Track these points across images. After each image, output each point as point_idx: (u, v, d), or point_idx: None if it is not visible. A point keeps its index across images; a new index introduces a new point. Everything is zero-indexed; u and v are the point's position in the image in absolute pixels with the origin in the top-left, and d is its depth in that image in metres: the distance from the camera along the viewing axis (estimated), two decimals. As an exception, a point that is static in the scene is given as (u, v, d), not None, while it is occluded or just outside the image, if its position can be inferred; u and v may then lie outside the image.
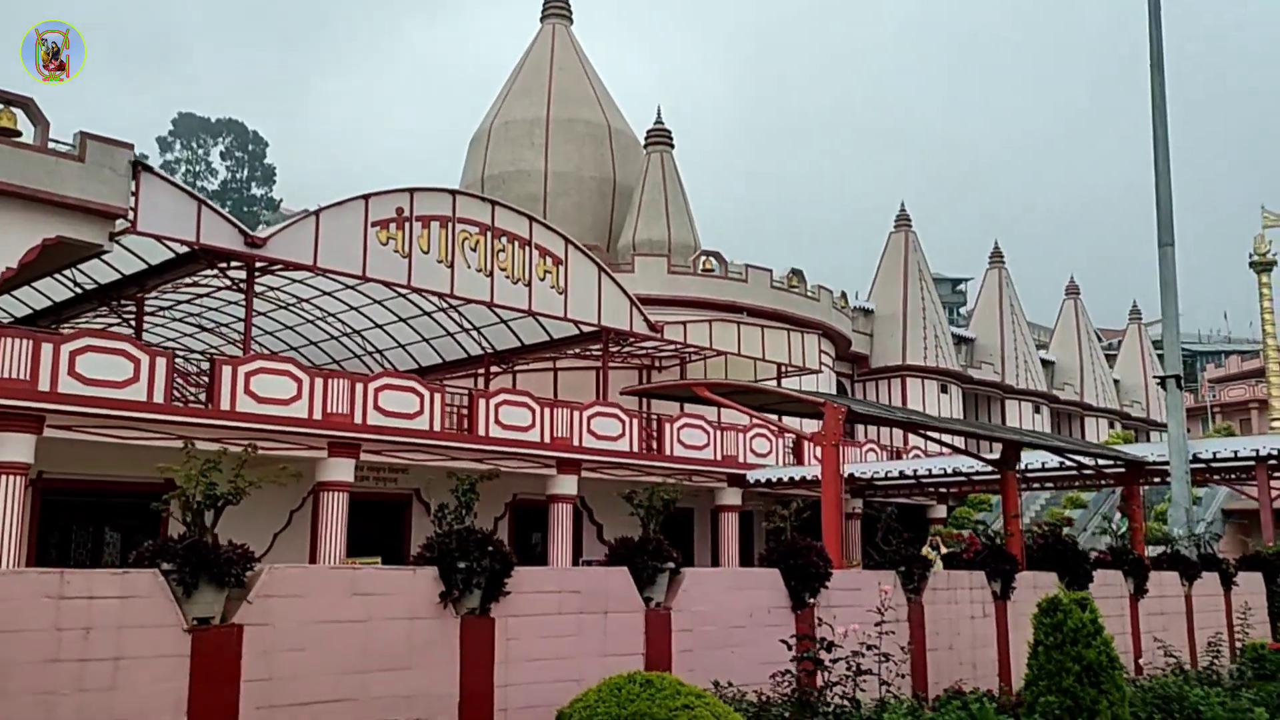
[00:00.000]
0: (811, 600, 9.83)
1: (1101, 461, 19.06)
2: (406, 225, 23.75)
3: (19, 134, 18.43)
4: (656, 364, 33.76)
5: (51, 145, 18.44)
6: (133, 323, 26.14)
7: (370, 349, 32.31)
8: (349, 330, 30.97)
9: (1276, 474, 21.37)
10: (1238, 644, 15.49)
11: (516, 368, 32.34)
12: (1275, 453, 19.79)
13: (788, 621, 9.68)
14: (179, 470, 6.27)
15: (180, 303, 28.16)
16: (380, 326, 30.34)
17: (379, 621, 6.94)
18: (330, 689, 6.63)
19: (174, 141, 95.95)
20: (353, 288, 26.16)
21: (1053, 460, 21.24)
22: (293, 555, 22.35)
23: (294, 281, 25.65)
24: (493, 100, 43.44)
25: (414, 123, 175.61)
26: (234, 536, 19.96)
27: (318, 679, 6.60)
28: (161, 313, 28.93)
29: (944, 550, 19.07)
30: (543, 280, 26.14)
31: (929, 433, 16.39)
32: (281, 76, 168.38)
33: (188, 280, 24.81)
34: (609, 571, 8.43)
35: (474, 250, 24.92)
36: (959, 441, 20.64)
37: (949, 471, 23.88)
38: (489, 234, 25.21)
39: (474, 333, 30.26)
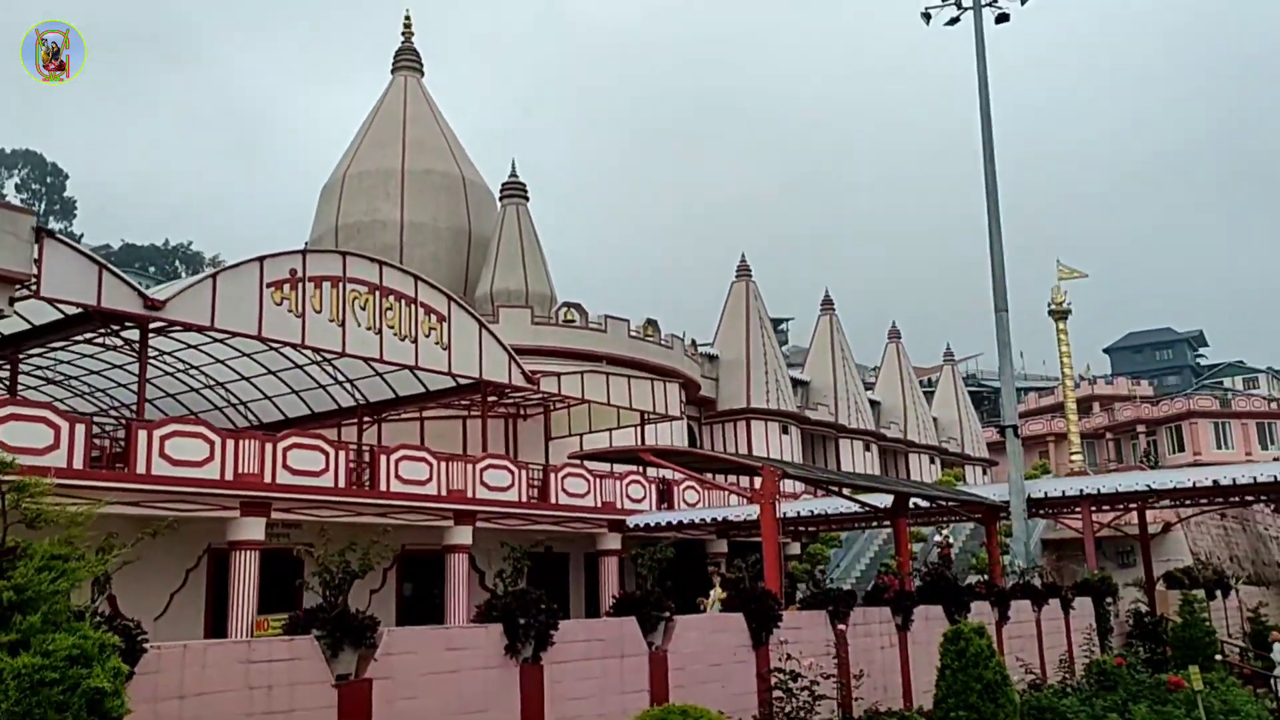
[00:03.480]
0: (767, 638, 11.48)
1: (953, 504, 21.46)
2: (300, 286, 24.54)
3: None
4: (522, 412, 35.03)
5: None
6: (6, 382, 25.91)
7: (233, 401, 32.39)
8: (212, 383, 31.01)
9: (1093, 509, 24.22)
10: (1085, 660, 17.88)
11: (385, 418, 33.08)
12: (1097, 492, 22.62)
13: (750, 658, 11.31)
14: (318, 549, 7.45)
15: (34, 354, 27.74)
16: (247, 379, 30.56)
17: (466, 672, 8.26)
18: (436, 731, 7.91)
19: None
20: (222, 341, 26.37)
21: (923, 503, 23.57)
22: (190, 615, 22.59)
23: (158, 334, 25.68)
24: (344, 151, 44.21)
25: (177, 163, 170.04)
26: (131, 598, 20.32)
27: (427, 722, 7.87)
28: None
29: (721, 594, 20.73)
30: (427, 336, 27.26)
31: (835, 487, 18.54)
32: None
33: (66, 340, 24.81)
34: (622, 621, 9.90)
35: (364, 309, 25.88)
36: (853, 493, 22.77)
37: (815, 513, 26.01)
38: (378, 293, 26.23)
39: (347, 385, 30.92)
